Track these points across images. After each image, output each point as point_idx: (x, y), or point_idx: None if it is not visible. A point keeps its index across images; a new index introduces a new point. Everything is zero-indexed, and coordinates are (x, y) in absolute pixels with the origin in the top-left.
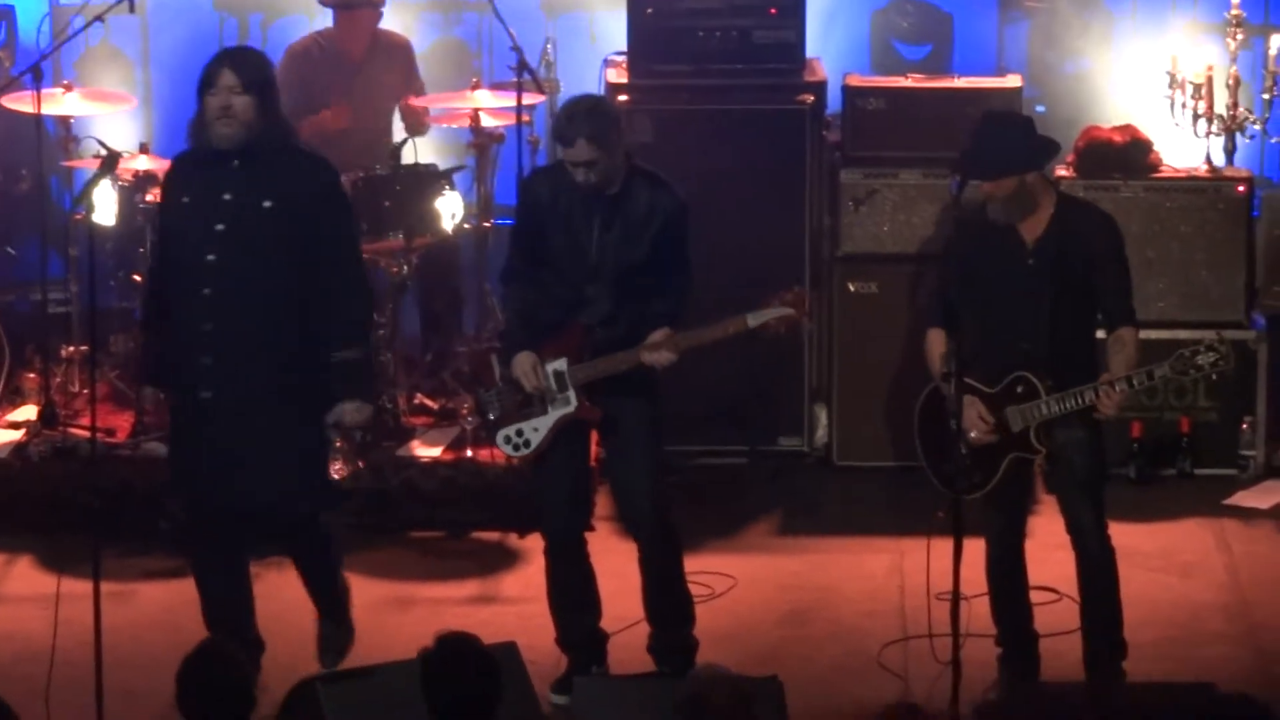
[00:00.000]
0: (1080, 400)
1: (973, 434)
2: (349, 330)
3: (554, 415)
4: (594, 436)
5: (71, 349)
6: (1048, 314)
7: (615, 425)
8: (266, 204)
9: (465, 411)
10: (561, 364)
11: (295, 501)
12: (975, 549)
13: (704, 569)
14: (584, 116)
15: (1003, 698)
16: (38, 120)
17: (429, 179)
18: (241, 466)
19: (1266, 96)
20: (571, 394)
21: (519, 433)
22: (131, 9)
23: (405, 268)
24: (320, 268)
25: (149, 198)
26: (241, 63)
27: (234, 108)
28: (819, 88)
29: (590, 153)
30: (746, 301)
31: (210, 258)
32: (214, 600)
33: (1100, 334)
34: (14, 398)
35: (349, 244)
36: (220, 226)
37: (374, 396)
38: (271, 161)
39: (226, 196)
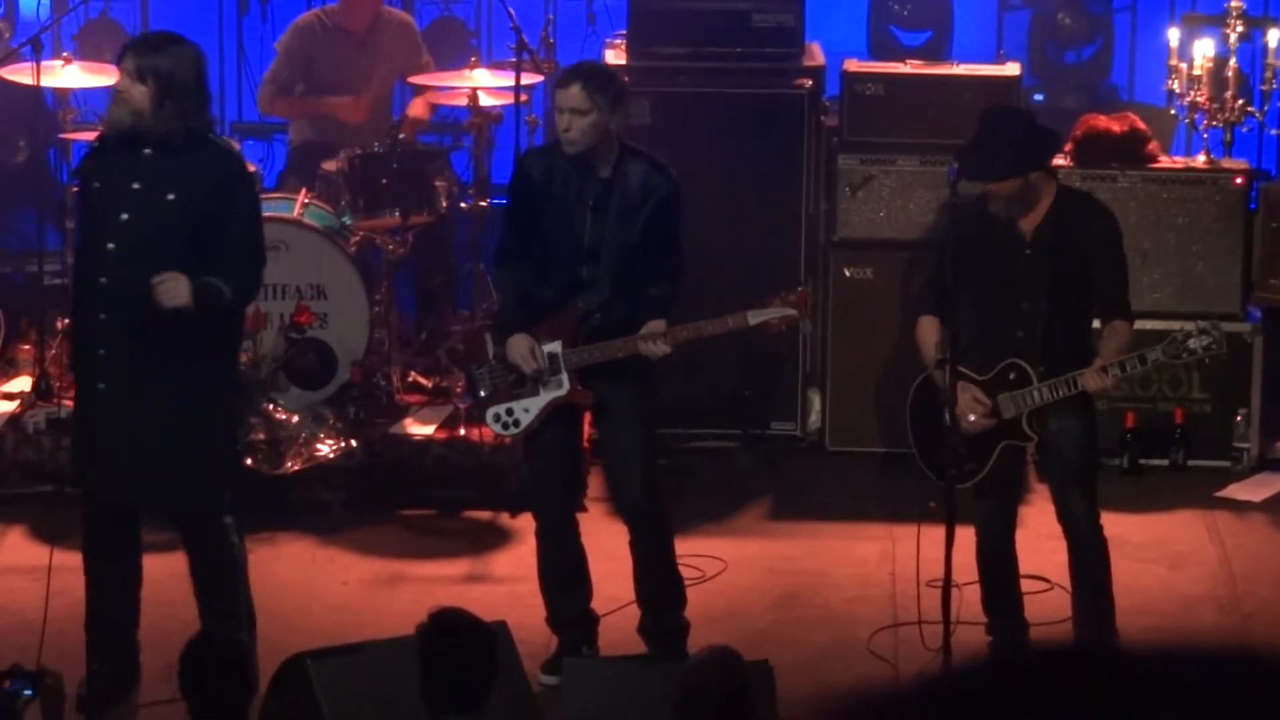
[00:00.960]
0: (1072, 386)
1: (970, 417)
2: (227, 285)
3: (546, 397)
4: (587, 417)
5: (67, 321)
6: (1043, 303)
7: (610, 409)
8: (170, 196)
9: (459, 390)
10: (556, 346)
11: (186, 499)
12: (967, 537)
13: (695, 552)
14: (587, 68)
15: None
16: (36, 92)
17: (426, 157)
18: (133, 462)
19: (1265, 89)
20: (565, 377)
21: (509, 411)
22: None
23: (401, 246)
24: (218, 261)
25: None
26: (144, 50)
27: (126, 93)
28: (817, 72)
29: (583, 100)
30: (741, 285)
31: (110, 246)
32: (97, 596)
33: (1096, 324)
34: (8, 369)
35: (246, 236)
36: (124, 216)
37: (196, 302)
38: (182, 155)
39: (135, 185)
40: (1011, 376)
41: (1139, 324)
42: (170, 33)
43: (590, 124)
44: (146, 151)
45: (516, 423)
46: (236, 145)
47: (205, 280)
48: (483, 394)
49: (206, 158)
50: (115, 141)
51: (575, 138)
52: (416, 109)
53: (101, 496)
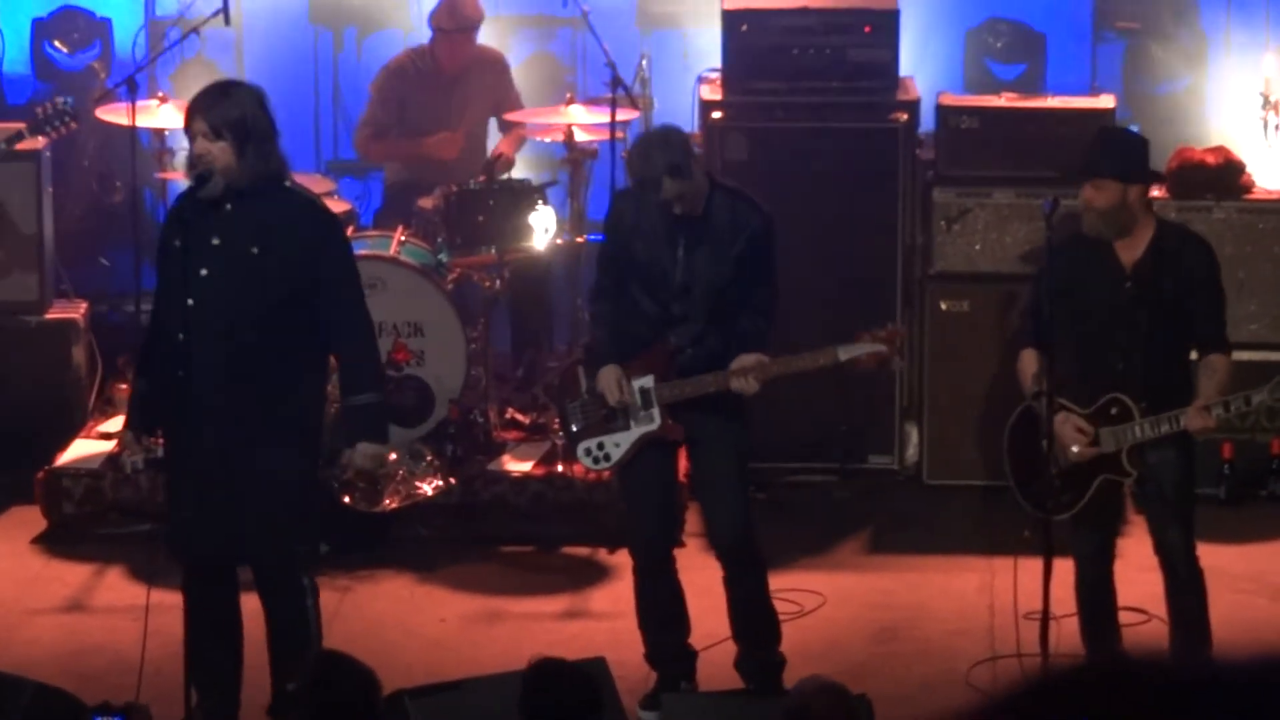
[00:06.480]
0: (1175, 424)
1: (1074, 449)
2: (360, 377)
3: (637, 432)
4: (683, 452)
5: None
6: (1143, 337)
7: (703, 445)
8: (254, 250)
9: (556, 426)
10: (648, 381)
11: (264, 547)
12: (1065, 569)
13: (793, 586)
14: (659, 152)
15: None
16: (132, 132)
17: (522, 193)
18: (219, 514)
19: None
20: (656, 411)
21: (599, 446)
22: (227, 22)
23: (497, 282)
24: (321, 314)
25: None
26: (210, 107)
27: (209, 155)
28: (912, 106)
29: (677, 187)
30: (837, 319)
31: (190, 302)
32: (197, 640)
33: (1194, 356)
34: (107, 408)
35: (349, 288)
36: (204, 271)
37: (385, 438)
38: (263, 205)
39: (215, 241)
40: (1113, 411)
41: (1235, 355)
42: (226, 80)
43: (691, 196)
44: (227, 206)
45: (607, 457)
46: (331, 183)
47: (353, 409)
48: (574, 428)
49: (288, 209)
50: (193, 197)
51: (688, 208)
52: (505, 146)
53: (193, 553)
